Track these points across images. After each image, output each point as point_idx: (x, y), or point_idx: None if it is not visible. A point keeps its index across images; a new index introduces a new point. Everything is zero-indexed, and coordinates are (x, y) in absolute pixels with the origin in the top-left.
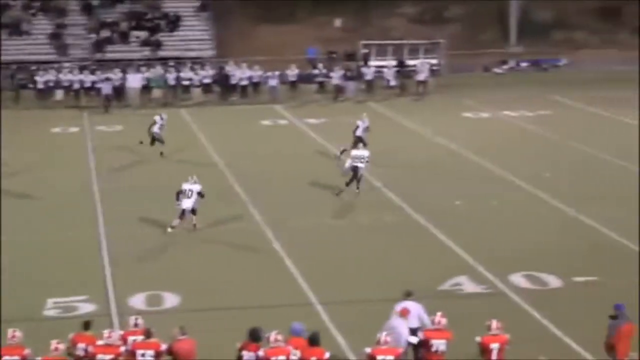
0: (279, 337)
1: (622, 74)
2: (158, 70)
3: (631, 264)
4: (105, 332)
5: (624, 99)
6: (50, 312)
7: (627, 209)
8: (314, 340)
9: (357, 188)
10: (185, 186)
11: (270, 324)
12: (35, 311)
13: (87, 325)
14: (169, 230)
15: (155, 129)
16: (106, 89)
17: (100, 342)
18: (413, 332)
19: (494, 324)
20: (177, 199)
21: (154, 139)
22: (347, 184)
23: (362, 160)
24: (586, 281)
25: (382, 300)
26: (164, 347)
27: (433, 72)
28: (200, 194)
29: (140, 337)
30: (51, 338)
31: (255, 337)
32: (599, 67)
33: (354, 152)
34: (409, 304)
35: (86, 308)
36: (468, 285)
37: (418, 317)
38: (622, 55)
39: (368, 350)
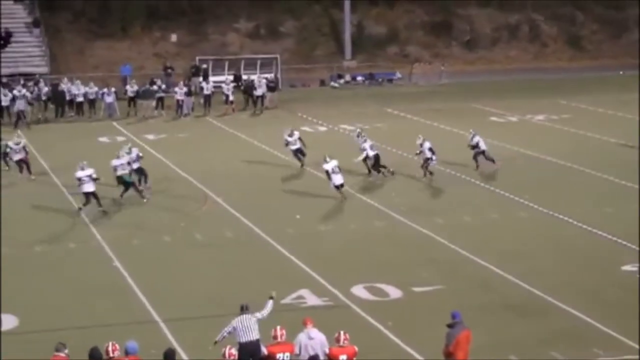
0: (117, 347)
1: (451, 86)
2: None
3: (464, 270)
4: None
5: (453, 111)
6: None
7: (460, 216)
8: (168, 358)
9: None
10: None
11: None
12: None
13: None
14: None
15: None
16: None
17: None
18: (255, 344)
19: (342, 335)
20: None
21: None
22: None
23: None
24: (425, 291)
25: (225, 315)
26: None
27: (272, 87)
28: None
29: None
30: None
31: (95, 356)
32: (430, 81)
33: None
34: (247, 317)
35: None
36: (310, 298)
37: (257, 328)
38: (452, 68)
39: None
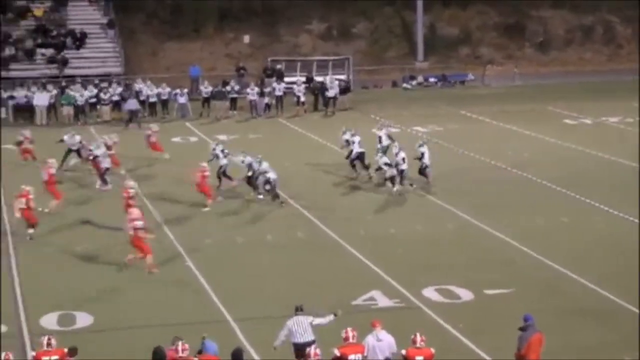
0: (186, 346)
1: (524, 88)
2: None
3: (535, 273)
4: (2, 354)
5: (527, 113)
6: None
7: (532, 218)
8: (236, 357)
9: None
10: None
11: (187, 342)
12: None
13: None
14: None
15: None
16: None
17: None
18: (310, 345)
19: (418, 337)
20: None
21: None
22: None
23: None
24: (496, 293)
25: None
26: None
27: (345, 88)
28: None
29: (54, 357)
30: None
31: (158, 356)
32: (503, 82)
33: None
34: (302, 319)
35: None
36: (381, 300)
37: (311, 330)
38: (525, 70)
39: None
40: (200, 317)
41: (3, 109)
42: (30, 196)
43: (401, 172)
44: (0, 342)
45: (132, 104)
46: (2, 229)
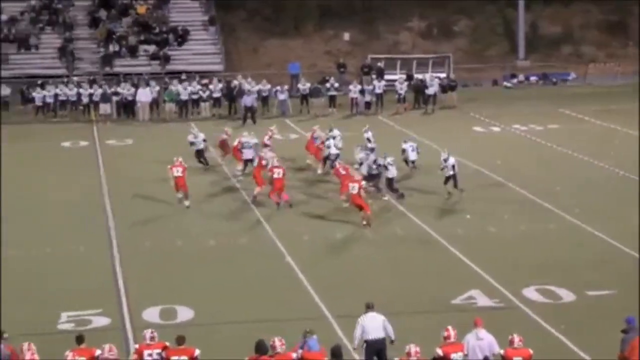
0: (284, 342)
1: (628, 87)
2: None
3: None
4: (106, 346)
5: (630, 112)
6: (64, 326)
7: (635, 219)
8: (336, 354)
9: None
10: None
11: (285, 338)
12: (49, 325)
13: (79, 340)
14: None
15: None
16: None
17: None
18: (381, 342)
19: (516, 338)
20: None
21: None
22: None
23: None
24: (598, 295)
25: (396, 313)
26: (197, 352)
27: (452, 86)
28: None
29: (156, 350)
30: (65, 351)
31: (261, 349)
32: (606, 81)
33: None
34: (374, 315)
35: (100, 321)
36: (481, 299)
37: (383, 327)
38: (629, 68)
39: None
40: (299, 313)
41: (106, 105)
42: (184, 166)
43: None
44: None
45: (248, 101)
46: (107, 224)
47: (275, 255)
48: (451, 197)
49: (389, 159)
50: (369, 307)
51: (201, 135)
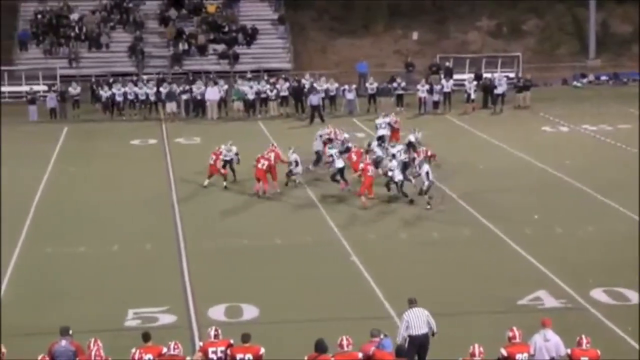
0: (351, 341)
1: None
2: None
3: None
4: (172, 343)
5: None
6: (131, 323)
7: None
8: (400, 353)
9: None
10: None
11: (351, 337)
12: (116, 322)
13: (145, 337)
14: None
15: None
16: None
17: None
18: (425, 337)
19: (584, 339)
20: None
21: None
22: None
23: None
24: None
25: (461, 313)
26: (262, 350)
27: (527, 86)
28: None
29: (221, 348)
30: (132, 348)
31: (320, 348)
32: None
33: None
34: (418, 310)
35: (166, 319)
36: (548, 300)
37: (427, 322)
38: None
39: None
40: (365, 312)
41: (172, 104)
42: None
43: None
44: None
45: (314, 99)
46: (175, 222)
47: (340, 254)
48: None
49: (394, 162)
50: (412, 302)
51: (234, 149)
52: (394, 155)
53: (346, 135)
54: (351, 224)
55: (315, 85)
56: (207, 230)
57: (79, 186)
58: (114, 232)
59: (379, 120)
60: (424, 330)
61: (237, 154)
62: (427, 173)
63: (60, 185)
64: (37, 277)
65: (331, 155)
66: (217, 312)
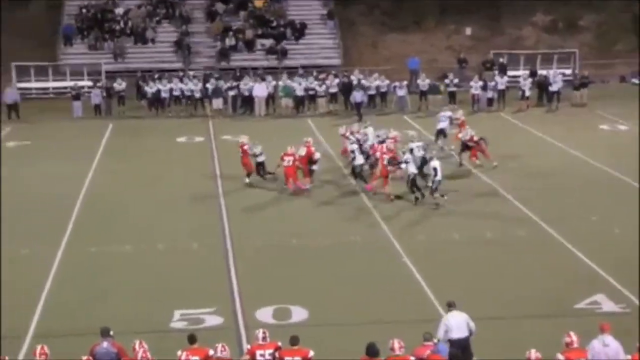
0: (402, 345)
1: None
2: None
3: None
4: (219, 346)
5: None
6: (177, 324)
7: None
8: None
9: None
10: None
11: (403, 340)
12: (162, 323)
13: (192, 339)
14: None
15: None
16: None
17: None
18: (465, 340)
19: None
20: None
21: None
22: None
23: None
24: None
25: (516, 317)
26: (311, 353)
27: (583, 83)
28: None
29: (269, 351)
30: (177, 350)
31: (372, 352)
32: None
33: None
34: (457, 314)
35: (213, 320)
36: (606, 304)
37: (467, 325)
38: None
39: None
40: (416, 315)
41: (218, 100)
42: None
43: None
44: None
45: (358, 96)
46: (222, 221)
47: (391, 255)
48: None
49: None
50: (451, 306)
51: (259, 147)
52: (411, 150)
53: (367, 134)
54: (401, 224)
55: (363, 81)
56: (254, 229)
57: (124, 184)
58: (159, 231)
59: (442, 113)
60: (464, 333)
61: (260, 154)
62: (435, 169)
63: (105, 183)
64: (81, 277)
65: (353, 151)
66: (265, 314)
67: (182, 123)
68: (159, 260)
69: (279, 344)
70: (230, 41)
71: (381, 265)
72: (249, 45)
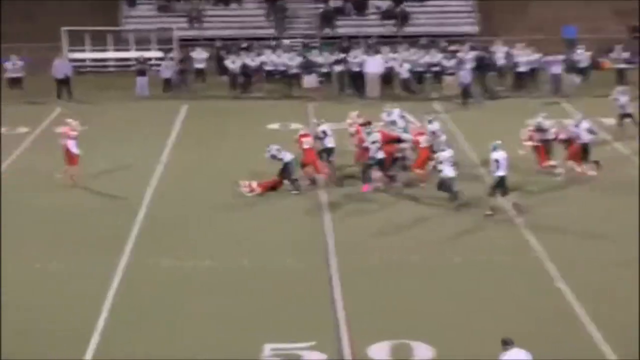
0: None
1: None
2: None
3: None
4: None
5: None
6: None
7: None
8: None
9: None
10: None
11: None
12: (248, 358)
13: None
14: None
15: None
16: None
17: None
18: None
19: None
20: None
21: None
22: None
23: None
24: None
25: None
26: None
27: None
28: None
29: None
30: None
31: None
32: None
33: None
34: (517, 352)
35: (312, 357)
36: None
37: None
38: None
39: None
40: (573, 354)
41: (311, 77)
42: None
43: None
44: None
45: (466, 77)
46: (324, 235)
47: (540, 279)
48: None
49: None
50: (507, 344)
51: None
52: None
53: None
54: (556, 241)
55: (509, 55)
56: (363, 242)
57: (202, 181)
58: (245, 243)
59: (618, 96)
60: None
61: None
62: (497, 162)
63: (178, 179)
64: (149, 296)
65: (374, 142)
66: (381, 351)
67: (275, 105)
68: (245, 280)
69: None
70: (335, 2)
71: (528, 292)
72: (360, 8)
